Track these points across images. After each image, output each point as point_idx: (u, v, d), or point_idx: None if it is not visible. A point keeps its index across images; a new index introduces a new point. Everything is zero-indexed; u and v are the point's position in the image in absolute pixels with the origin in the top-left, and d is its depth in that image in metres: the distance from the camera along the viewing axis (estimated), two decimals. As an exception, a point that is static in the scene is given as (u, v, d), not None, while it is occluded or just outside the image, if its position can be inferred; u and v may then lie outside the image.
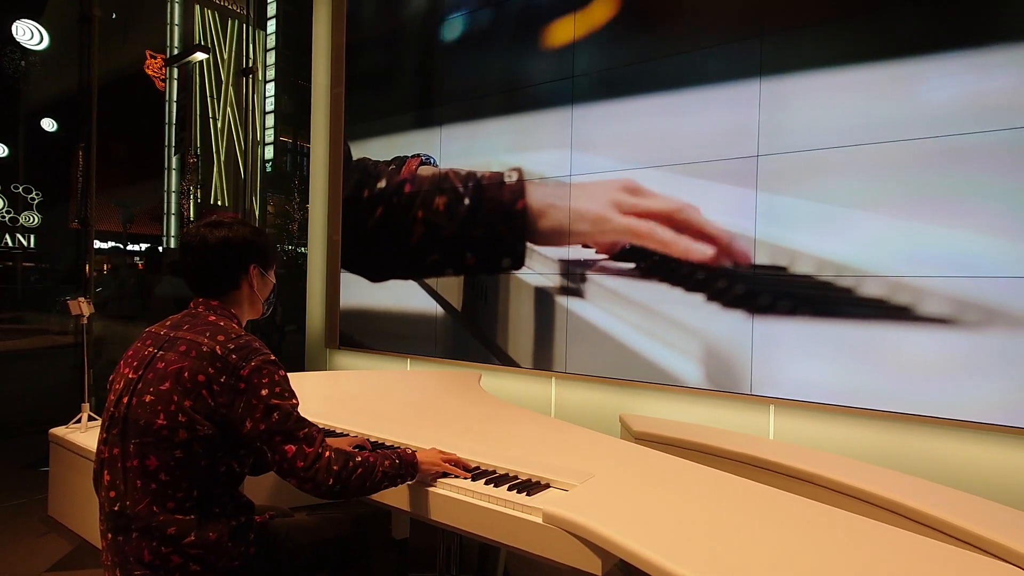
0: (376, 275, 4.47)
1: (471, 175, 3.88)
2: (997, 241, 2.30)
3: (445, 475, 1.43)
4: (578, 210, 3.39)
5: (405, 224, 4.20)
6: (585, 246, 3.36)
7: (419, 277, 4.18)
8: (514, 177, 3.68)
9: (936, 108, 2.42)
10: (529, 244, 3.58)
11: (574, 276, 3.39)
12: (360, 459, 1.28)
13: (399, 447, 1.67)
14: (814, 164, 2.68)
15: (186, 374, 1.17)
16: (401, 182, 4.25)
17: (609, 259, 3.25)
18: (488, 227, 3.78)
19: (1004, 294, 2.29)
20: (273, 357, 1.25)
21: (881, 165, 2.53)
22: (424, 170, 4.13)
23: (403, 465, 1.35)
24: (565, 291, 3.43)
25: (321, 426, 1.89)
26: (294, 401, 1.24)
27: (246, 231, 1.36)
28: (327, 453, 1.23)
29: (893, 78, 2.51)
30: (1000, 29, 2.31)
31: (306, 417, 1.25)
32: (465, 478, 1.42)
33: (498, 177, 3.73)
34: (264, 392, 1.19)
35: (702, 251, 2.94)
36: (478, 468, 1.49)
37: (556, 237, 3.47)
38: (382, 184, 4.37)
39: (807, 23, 2.71)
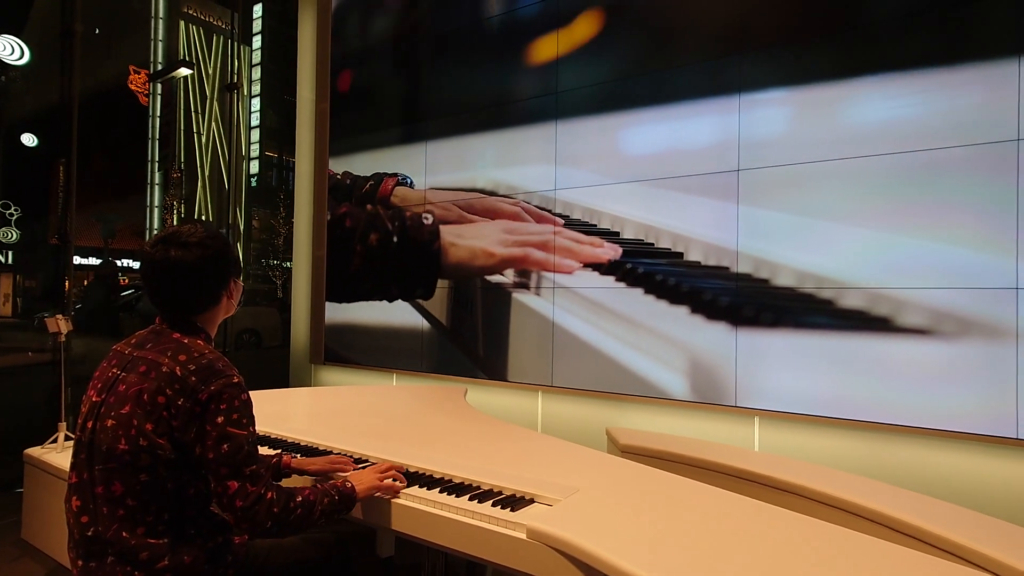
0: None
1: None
2: (972, 253, 2.35)
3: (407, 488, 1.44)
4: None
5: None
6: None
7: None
8: (430, 219, 3.93)
9: (912, 123, 2.47)
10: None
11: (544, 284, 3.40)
12: (300, 499, 1.23)
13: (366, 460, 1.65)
14: (794, 178, 2.73)
15: (145, 396, 1.14)
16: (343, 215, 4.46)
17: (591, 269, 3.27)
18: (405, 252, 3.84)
19: (979, 305, 2.33)
20: (237, 379, 1.19)
21: (859, 178, 2.57)
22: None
23: (342, 500, 1.32)
24: (518, 288, 3.43)
25: (304, 443, 1.87)
26: (251, 430, 1.19)
27: (217, 243, 1.27)
28: (269, 495, 1.18)
29: (870, 93, 2.57)
30: (971, 48, 2.38)
31: (261, 451, 1.24)
32: (401, 481, 1.44)
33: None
34: (220, 419, 1.14)
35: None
36: (418, 472, 1.53)
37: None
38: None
39: (786, 41, 2.77)
